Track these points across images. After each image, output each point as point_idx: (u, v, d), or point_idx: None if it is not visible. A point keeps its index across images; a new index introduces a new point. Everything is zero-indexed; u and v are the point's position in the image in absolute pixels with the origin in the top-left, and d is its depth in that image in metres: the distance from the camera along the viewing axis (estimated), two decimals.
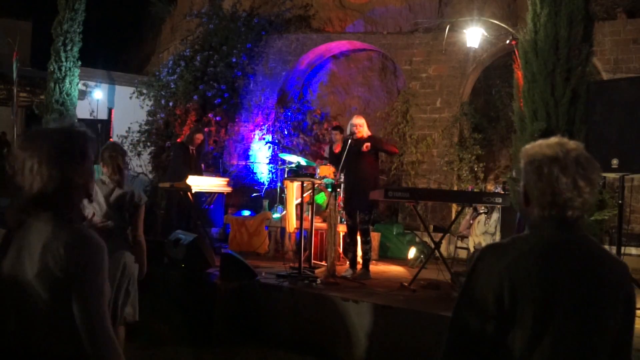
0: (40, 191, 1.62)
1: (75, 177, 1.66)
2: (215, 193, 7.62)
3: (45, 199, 1.63)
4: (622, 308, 1.53)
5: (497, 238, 6.37)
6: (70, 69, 10.93)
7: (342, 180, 6.13)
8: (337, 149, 6.77)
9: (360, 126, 6.14)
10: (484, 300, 1.49)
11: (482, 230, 6.73)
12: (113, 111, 13.18)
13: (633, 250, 6.74)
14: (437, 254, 5.74)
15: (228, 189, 7.75)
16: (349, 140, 6.02)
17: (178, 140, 8.80)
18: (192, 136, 7.88)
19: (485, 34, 7.99)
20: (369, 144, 6.00)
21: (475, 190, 8.44)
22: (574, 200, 1.50)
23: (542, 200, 1.54)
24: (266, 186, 9.83)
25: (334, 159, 6.61)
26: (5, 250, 1.66)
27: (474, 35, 7.89)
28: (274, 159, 9.84)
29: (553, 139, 1.59)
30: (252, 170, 10.26)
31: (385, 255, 8.01)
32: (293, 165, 7.54)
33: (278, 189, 8.56)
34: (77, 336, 1.58)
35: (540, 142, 1.60)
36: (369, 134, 6.26)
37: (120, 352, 1.63)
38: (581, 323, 1.47)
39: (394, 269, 7.01)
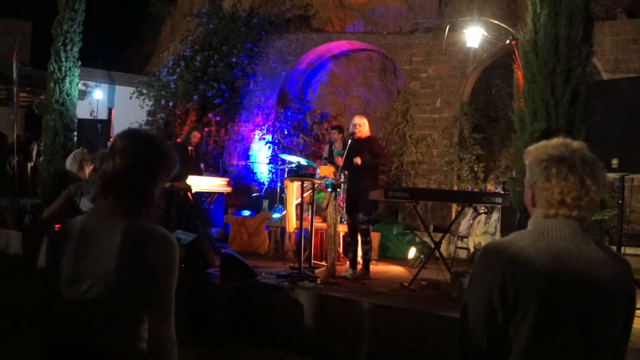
0: (122, 189, 1.67)
1: (153, 182, 1.71)
2: (215, 193, 7.62)
3: (125, 197, 1.67)
4: (624, 307, 1.53)
5: (497, 238, 6.37)
6: (70, 69, 10.91)
7: (342, 180, 6.13)
8: (336, 148, 6.78)
9: (360, 126, 6.14)
10: (488, 295, 1.49)
11: (482, 230, 6.73)
12: (113, 111, 13.18)
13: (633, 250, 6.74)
14: (437, 254, 5.73)
15: (228, 189, 7.75)
16: (349, 140, 6.02)
17: (177, 140, 8.80)
18: (189, 135, 7.85)
19: (485, 34, 7.99)
20: (359, 159, 5.94)
21: (475, 190, 8.44)
22: (582, 199, 1.52)
23: (550, 200, 1.54)
24: (266, 186, 9.83)
25: (330, 159, 6.63)
26: (68, 245, 1.67)
27: (474, 35, 7.89)
28: (274, 159, 9.84)
29: (555, 140, 1.60)
30: (252, 170, 10.26)
31: (385, 255, 8.01)
32: (293, 165, 7.54)
33: (278, 189, 8.56)
34: (137, 333, 1.61)
35: (543, 143, 1.60)
36: (368, 134, 6.25)
37: (176, 356, 1.67)
38: (585, 320, 1.47)
39: (394, 269, 7.01)
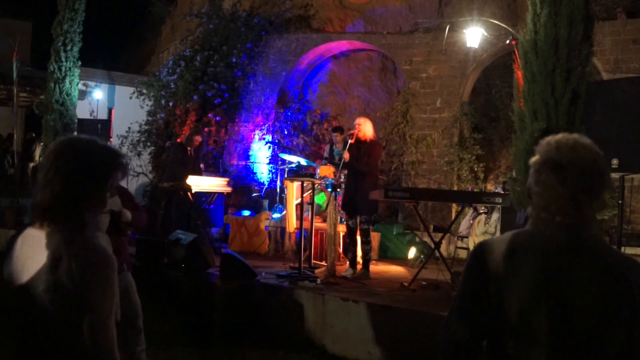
0: (49, 201, 1.60)
1: (88, 197, 1.64)
2: (215, 193, 7.62)
3: (54, 209, 1.61)
4: (621, 323, 1.42)
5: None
6: (70, 69, 10.90)
7: (342, 180, 6.12)
8: (337, 148, 6.78)
9: (360, 125, 6.12)
10: (474, 289, 1.51)
11: (482, 230, 6.72)
12: (113, 111, 13.16)
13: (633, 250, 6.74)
14: (437, 254, 5.74)
15: (228, 189, 7.75)
16: (349, 140, 6.01)
17: (178, 140, 8.80)
18: (191, 137, 7.88)
19: (485, 34, 7.98)
20: (347, 155, 5.92)
21: (475, 190, 8.44)
22: (568, 210, 1.45)
23: (537, 203, 1.51)
24: (266, 186, 9.83)
25: (331, 159, 6.64)
26: (8, 256, 1.64)
27: (474, 35, 7.88)
28: (274, 159, 9.84)
29: (562, 137, 1.50)
30: (252, 170, 10.25)
31: (385, 255, 8.01)
32: (293, 165, 7.55)
33: (278, 189, 8.56)
34: (81, 350, 1.57)
35: (552, 139, 1.52)
36: (371, 137, 6.18)
37: None
38: (567, 327, 1.42)
39: (394, 269, 7.01)
